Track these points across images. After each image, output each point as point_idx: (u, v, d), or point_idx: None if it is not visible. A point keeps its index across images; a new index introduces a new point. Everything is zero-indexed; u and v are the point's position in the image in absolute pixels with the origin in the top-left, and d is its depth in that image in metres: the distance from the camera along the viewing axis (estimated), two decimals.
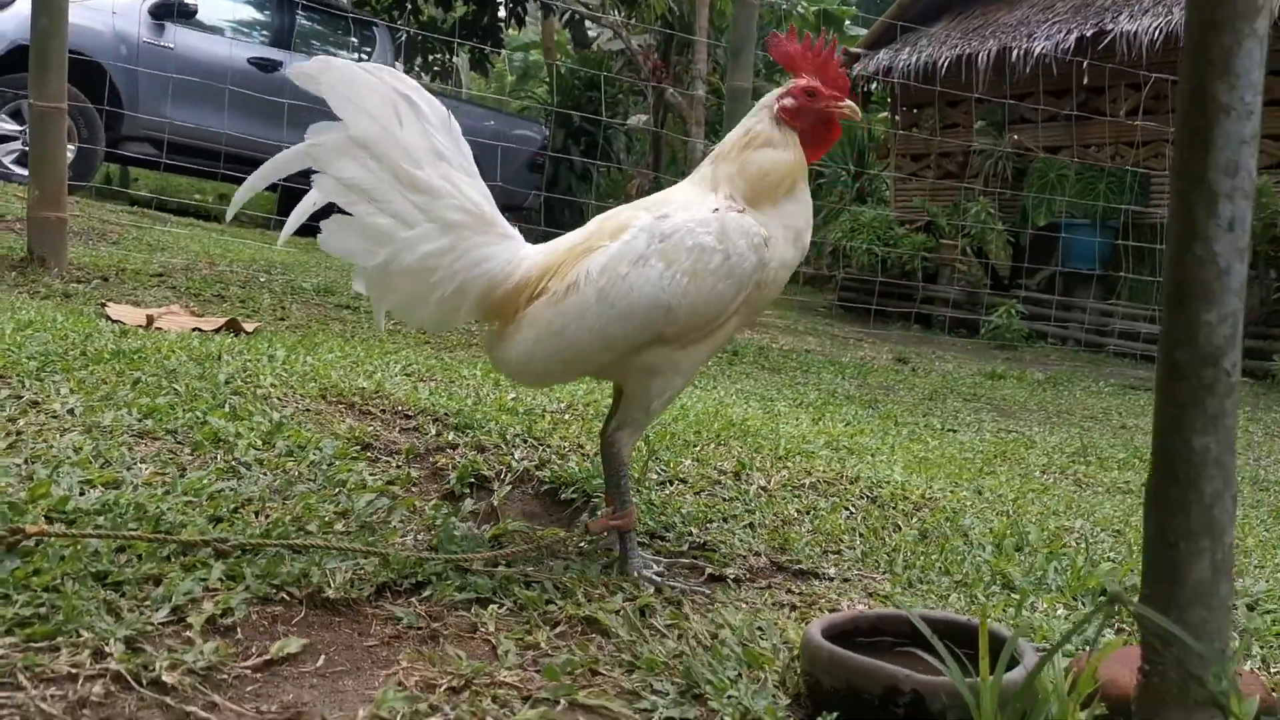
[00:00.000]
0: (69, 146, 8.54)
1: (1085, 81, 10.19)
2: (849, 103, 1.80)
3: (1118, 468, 3.88)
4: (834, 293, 11.94)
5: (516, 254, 1.73)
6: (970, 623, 1.37)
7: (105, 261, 5.16)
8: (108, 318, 3.39)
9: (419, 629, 1.45)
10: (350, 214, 1.68)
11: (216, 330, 3.43)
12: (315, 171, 1.68)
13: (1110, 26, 10.14)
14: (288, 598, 1.45)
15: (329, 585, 1.49)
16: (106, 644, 1.21)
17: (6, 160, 8.34)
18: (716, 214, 1.67)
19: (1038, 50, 10.57)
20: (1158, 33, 9.74)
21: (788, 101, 1.79)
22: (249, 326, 3.62)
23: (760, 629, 1.57)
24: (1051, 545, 2.27)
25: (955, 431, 4.32)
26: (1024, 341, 9.78)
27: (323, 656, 1.34)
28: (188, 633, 1.29)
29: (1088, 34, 10.30)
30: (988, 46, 11.13)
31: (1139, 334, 9.19)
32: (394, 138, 1.66)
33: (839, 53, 1.86)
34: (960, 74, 11.13)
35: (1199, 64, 0.93)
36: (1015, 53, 10.78)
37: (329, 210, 1.72)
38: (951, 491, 2.69)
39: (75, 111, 8.49)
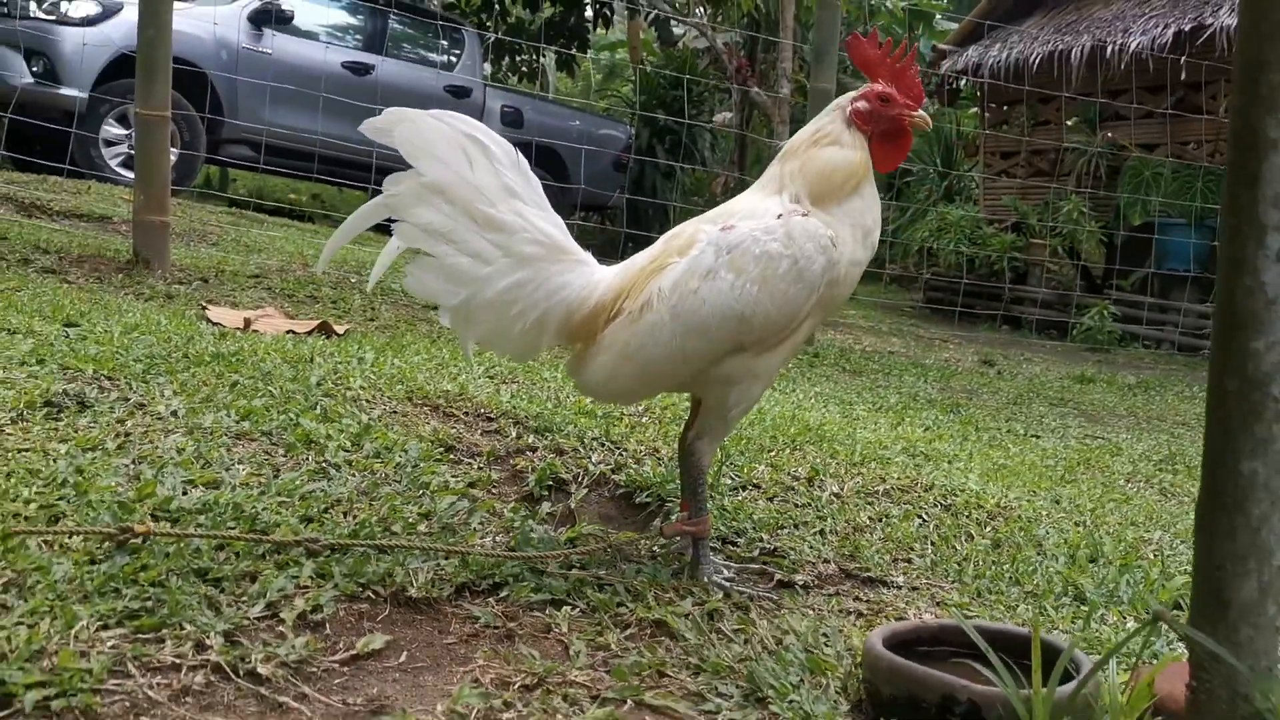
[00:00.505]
0: (171, 151, 8.94)
1: (1183, 77, 9.93)
2: (921, 113, 1.82)
3: None
4: (920, 293, 11.82)
5: (591, 278, 1.79)
6: (1019, 631, 1.39)
7: (205, 263, 5.37)
8: (208, 320, 3.55)
9: (496, 628, 1.53)
10: (432, 255, 1.76)
11: (309, 332, 3.57)
12: (395, 220, 1.76)
13: (1210, 21, 9.87)
14: (373, 596, 1.53)
15: (412, 584, 1.57)
16: (207, 636, 1.31)
17: (113, 163, 8.67)
18: (781, 220, 1.71)
19: (1134, 46, 10.33)
20: None
21: (861, 105, 1.82)
22: (340, 328, 3.75)
23: (825, 635, 1.61)
24: (1127, 557, 2.27)
25: (1038, 437, 4.28)
26: (1116, 344, 9.59)
27: (405, 653, 1.42)
28: (280, 627, 1.38)
29: (1186, 29, 10.04)
30: (1081, 42, 10.91)
31: None
32: (466, 180, 1.74)
33: (916, 62, 1.89)
34: (1052, 70, 10.93)
35: (1248, 100, 0.95)
36: (1110, 48, 10.55)
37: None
38: (1028, 500, 2.69)
39: (178, 117, 8.82)
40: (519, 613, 1.58)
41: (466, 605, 1.58)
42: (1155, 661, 1.51)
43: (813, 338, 6.41)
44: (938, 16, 18.76)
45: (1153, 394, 6.55)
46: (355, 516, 1.81)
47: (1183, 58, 9.58)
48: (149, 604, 1.35)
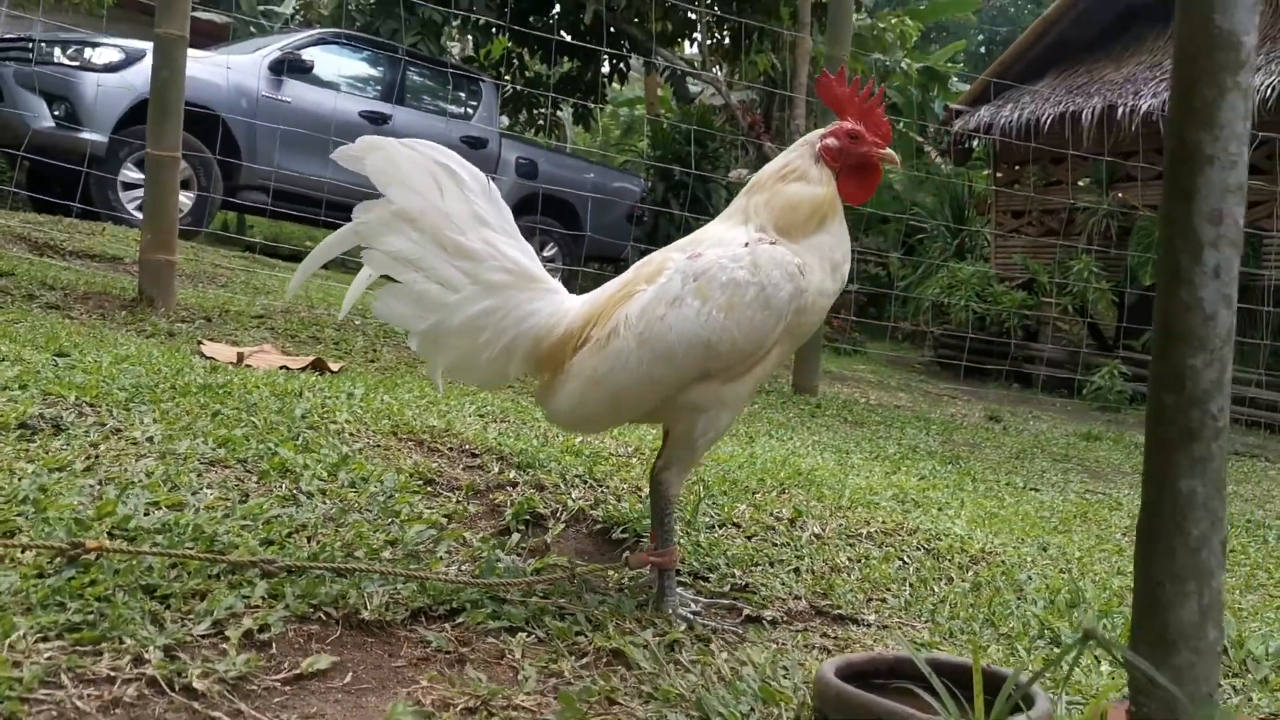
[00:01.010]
0: (188, 194, 9.05)
1: None
2: (889, 150, 1.83)
3: None
4: (931, 349, 11.79)
5: (560, 306, 1.79)
6: (988, 669, 1.36)
7: (210, 303, 5.40)
8: (202, 354, 3.56)
9: (448, 653, 1.50)
10: (400, 282, 1.76)
11: (302, 369, 3.57)
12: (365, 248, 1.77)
13: None
14: (325, 617, 1.51)
15: (365, 607, 1.55)
16: (146, 651, 1.29)
17: (130, 206, 8.78)
18: (748, 248, 1.71)
19: (1144, 107, 10.39)
20: (1270, 90, 9.50)
21: (830, 141, 1.83)
22: (334, 366, 3.76)
23: (785, 668, 1.58)
24: (1109, 604, 2.23)
25: (1037, 490, 4.24)
26: (1127, 403, 9.52)
27: (350, 674, 1.40)
28: (224, 645, 1.36)
29: None
30: (1092, 104, 10.98)
31: (1246, 399, 8.88)
32: (436, 208, 1.75)
33: (883, 101, 1.90)
34: (1063, 131, 10.99)
35: (1184, 116, 0.94)
36: (1121, 110, 10.62)
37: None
38: (1014, 547, 2.65)
39: (195, 161, 8.95)
40: (473, 638, 1.56)
41: (421, 629, 1.56)
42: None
43: (810, 373, 6.39)
44: (953, 78, 18.91)
45: None
46: (319, 541, 1.79)
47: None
48: (91, 618, 1.34)
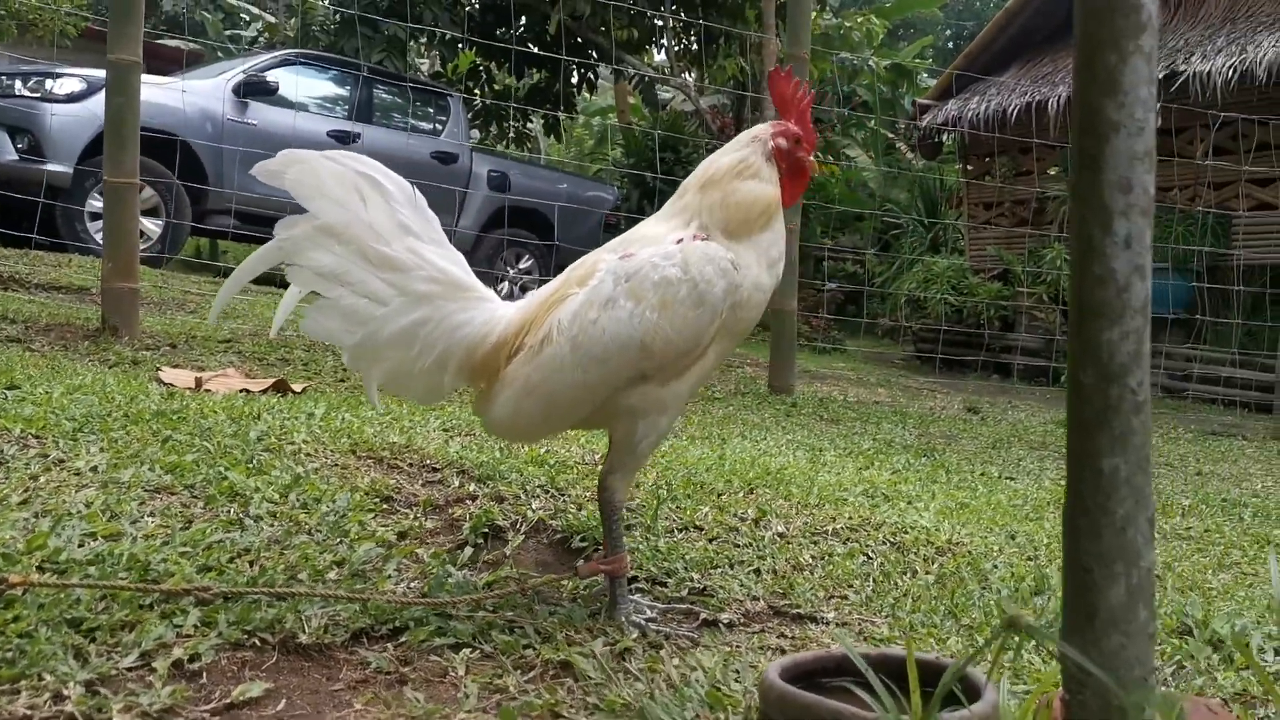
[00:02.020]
0: (157, 222, 8.98)
1: (1159, 123, 9.98)
2: (813, 158, 1.84)
3: (1181, 514, 3.74)
4: (910, 344, 11.80)
5: (493, 315, 1.75)
6: (936, 661, 1.33)
7: (177, 329, 5.34)
8: (160, 381, 3.51)
9: (388, 673, 1.46)
10: (328, 298, 1.72)
11: (264, 391, 3.52)
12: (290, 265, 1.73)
13: (1183, 68, 9.97)
14: (260, 643, 1.47)
15: (303, 630, 1.51)
16: (66, 687, 1.25)
17: (97, 236, 8.70)
18: (680, 245, 1.68)
19: None
20: (1231, 72, 9.54)
21: (781, 142, 1.81)
22: (297, 387, 3.71)
23: (736, 671, 1.55)
24: None
25: (1012, 479, 4.22)
26: None
27: (284, 700, 1.36)
28: (150, 677, 1.32)
29: (1159, 75, 10.11)
30: (1058, 93, 11.01)
31: (1221, 378, 8.90)
32: (360, 220, 1.71)
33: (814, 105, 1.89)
34: (1031, 121, 11.02)
35: (1087, 82, 0.92)
36: None
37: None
38: (982, 537, 2.62)
39: (163, 188, 8.89)
40: (415, 657, 1.52)
41: (361, 651, 1.52)
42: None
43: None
44: (922, 74, 18.97)
45: None
46: (260, 565, 1.75)
47: (1158, 105, 9.62)
48: (10, 655, 1.30)
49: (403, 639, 1.57)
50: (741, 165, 1.78)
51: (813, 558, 2.24)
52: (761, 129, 1.86)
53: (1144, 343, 0.92)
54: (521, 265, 11.56)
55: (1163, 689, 1.56)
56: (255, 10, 20.67)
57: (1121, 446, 0.92)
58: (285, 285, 1.88)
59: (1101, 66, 0.90)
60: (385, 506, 2.27)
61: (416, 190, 1.78)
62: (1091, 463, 0.93)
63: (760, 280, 1.71)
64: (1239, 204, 10.11)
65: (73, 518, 1.80)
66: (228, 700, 1.32)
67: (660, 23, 14.22)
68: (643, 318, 1.62)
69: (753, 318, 1.73)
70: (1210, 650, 1.90)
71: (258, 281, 8.65)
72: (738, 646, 1.70)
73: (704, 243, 1.68)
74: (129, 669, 1.33)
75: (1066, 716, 0.98)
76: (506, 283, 11.24)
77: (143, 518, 1.88)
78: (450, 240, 1.80)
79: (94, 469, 2.13)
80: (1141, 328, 0.92)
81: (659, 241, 1.70)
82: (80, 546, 1.68)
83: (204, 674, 1.37)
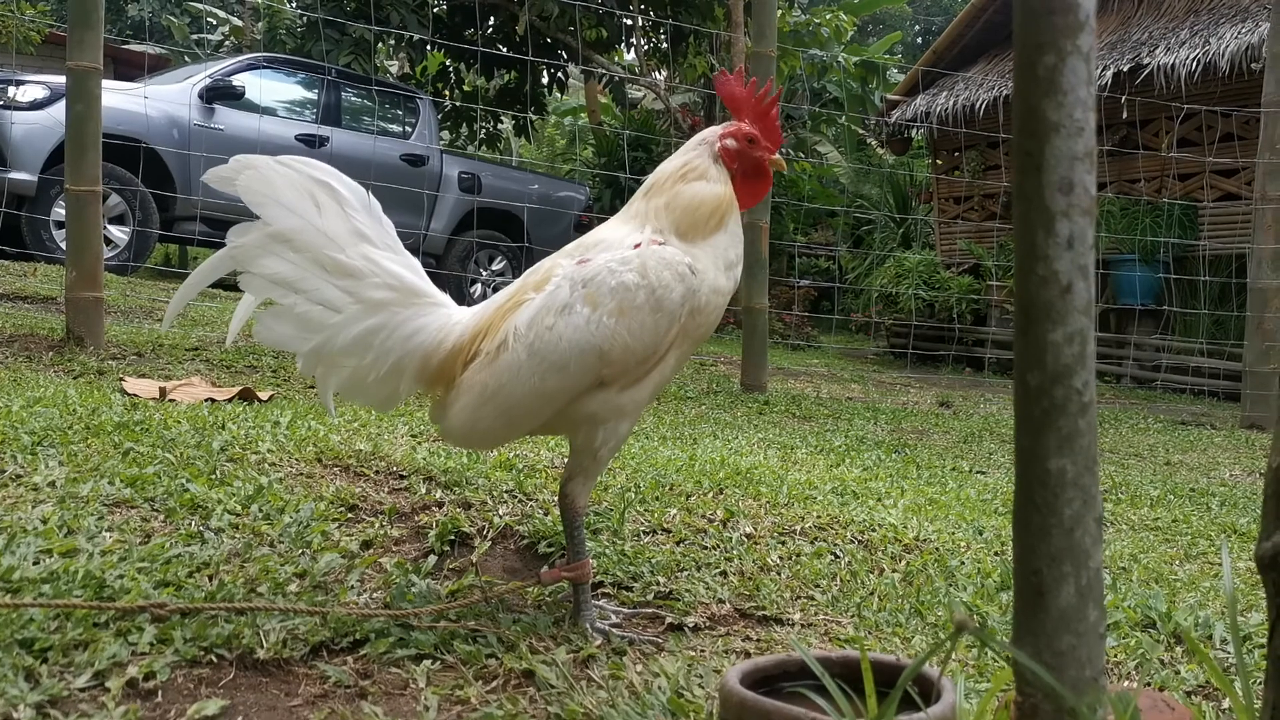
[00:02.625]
0: (124, 230, 8.90)
1: (1124, 116, 10.07)
2: (779, 157, 1.81)
3: (1149, 505, 3.77)
4: (884, 339, 11.84)
5: (449, 320, 1.74)
6: (896, 663, 1.33)
7: (143, 338, 5.30)
8: (123, 392, 3.47)
9: (348, 687, 1.45)
10: (282, 304, 1.71)
11: (229, 399, 3.49)
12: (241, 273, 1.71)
13: (1147, 60, 10.04)
14: (216, 659, 1.45)
15: (261, 645, 1.50)
16: (15, 710, 1.23)
17: (64, 245, 8.62)
18: (637, 250, 1.67)
19: None
20: (1195, 64, 9.62)
21: (729, 143, 1.80)
22: (264, 395, 3.68)
23: (699, 677, 1.54)
24: None
25: (983, 474, 4.23)
26: None
27: (241, 717, 1.34)
28: (103, 697, 1.30)
29: (1125, 69, 10.20)
30: None
31: (1189, 368, 8.97)
32: (313, 226, 1.69)
33: (779, 104, 1.87)
34: (999, 115, 11.07)
35: (1027, 84, 0.92)
36: None
37: None
38: (950, 533, 2.63)
39: (130, 195, 8.81)
40: (375, 670, 1.50)
41: (321, 665, 1.50)
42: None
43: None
44: (893, 69, 19.03)
45: (1106, 427, 6.52)
46: (219, 580, 1.73)
47: (1123, 97, 9.71)
48: None
49: (363, 651, 1.55)
50: (686, 168, 1.77)
51: (780, 558, 2.24)
52: (710, 131, 1.85)
53: (1088, 343, 0.92)
54: (494, 267, 11.53)
55: (1117, 686, 1.57)
56: (221, 14, 20.53)
57: (1069, 447, 0.92)
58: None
59: (1042, 67, 0.90)
60: (350, 516, 2.26)
61: (371, 195, 1.77)
62: (1039, 464, 0.93)
63: (718, 283, 1.71)
64: (1204, 194, 10.20)
65: (28, 534, 1.77)
66: (184, 718, 1.30)
67: (629, 22, 14.21)
68: (600, 324, 1.61)
69: (711, 321, 1.73)
70: (1174, 643, 1.91)
71: (226, 288, 8.57)
72: (702, 651, 1.69)
73: (661, 247, 1.67)
74: (81, 689, 1.32)
75: (1016, 717, 0.98)
76: (479, 285, 11.21)
77: (100, 533, 1.86)
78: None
79: (52, 484, 2.10)
80: (1086, 328, 0.92)
81: (615, 245, 1.69)
82: (35, 564, 1.65)
83: (159, 692, 1.36)
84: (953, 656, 1.72)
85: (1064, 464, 0.92)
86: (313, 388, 4.56)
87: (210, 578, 1.74)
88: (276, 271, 1.68)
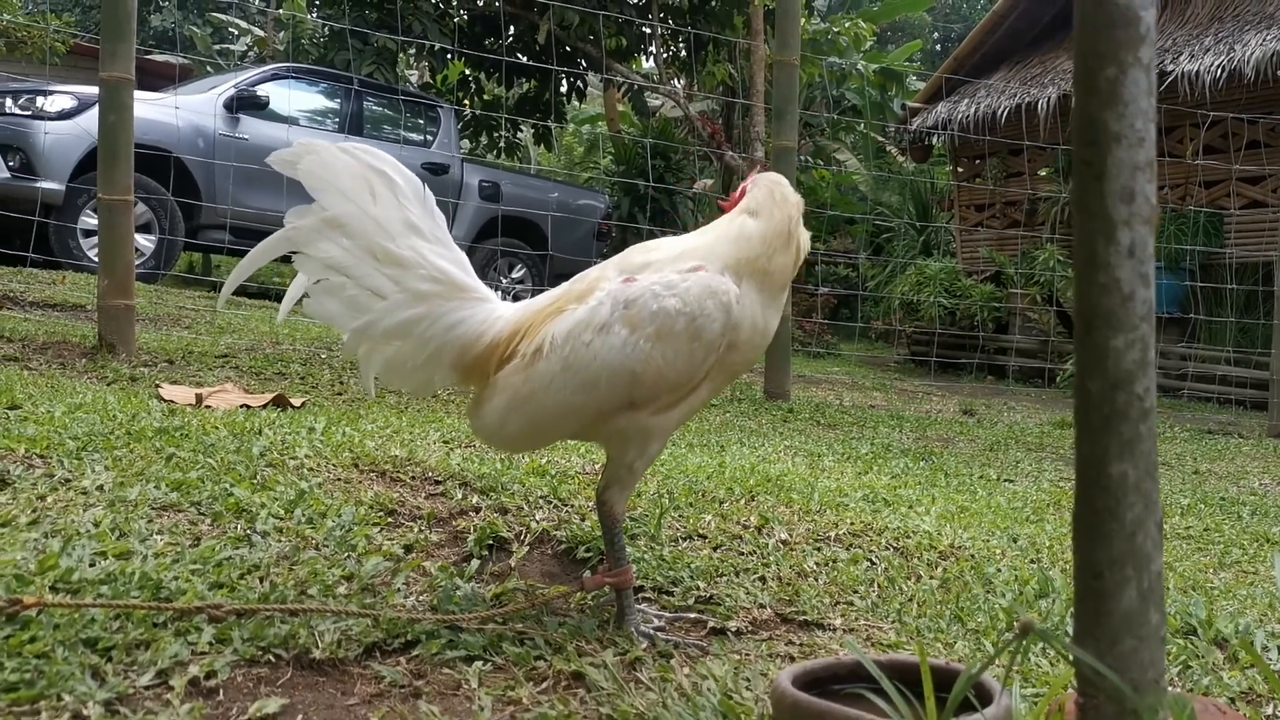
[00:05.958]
0: (149, 238, 8.98)
1: None
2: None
3: (1180, 513, 3.76)
4: (905, 347, 11.83)
5: (490, 314, 1.77)
6: (947, 666, 1.34)
7: (173, 345, 5.35)
8: (160, 398, 3.51)
9: (402, 687, 1.47)
10: (332, 283, 1.75)
11: (263, 406, 3.53)
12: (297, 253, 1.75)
13: (1171, 67, 10.02)
14: (274, 659, 1.48)
15: (316, 646, 1.52)
16: (85, 706, 1.26)
17: (91, 253, 8.71)
18: (684, 274, 1.67)
19: None
20: (1220, 71, 9.60)
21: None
22: (296, 401, 3.72)
23: (746, 680, 1.56)
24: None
25: (1011, 481, 4.24)
26: None
27: (301, 715, 1.37)
28: (168, 695, 1.33)
29: None
30: (1047, 94, 11.06)
31: (1215, 376, 8.93)
32: (367, 214, 1.73)
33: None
34: (1021, 122, 11.06)
35: (1087, 95, 0.93)
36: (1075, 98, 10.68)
37: None
38: (984, 540, 2.64)
39: (156, 204, 8.89)
40: (428, 670, 1.53)
41: (375, 665, 1.53)
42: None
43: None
44: (911, 77, 19.02)
45: None
46: (271, 581, 1.76)
47: None
48: (29, 676, 1.30)
49: (415, 652, 1.58)
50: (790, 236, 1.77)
51: (817, 564, 2.25)
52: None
53: (1149, 349, 0.94)
54: (514, 275, 11.58)
55: (1172, 690, 1.58)
56: (244, 24, 20.69)
57: (1130, 452, 0.94)
58: (280, 300, 1.90)
59: (1102, 79, 0.92)
60: (390, 520, 2.28)
61: (426, 187, 1.80)
62: (1100, 469, 0.95)
63: (760, 322, 1.70)
64: (1230, 202, 10.16)
65: (82, 537, 1.80)
66: (245, 716, 1.33)
67: (649, 30, 14.26)
68: (636, 347, 1.62)
69: (749, 360, 1.73)
70: (1215, 650, 1.92)
71: (253, 296, 8.65)
72: (747, 654, 1.71)
73: (709, 274, 1.67)
74: (146, 687, 1.34)
75: (1078, 718, 0.99)
76: (500, 293, 11.24)
77: (151, 536, 1.89)
78: None
79: (100, 488, 2.13)
80: (1147, 335, 0.94)
81: (665, 268, 1.68)
82: (91, 566, 1.68)
83: (220, 691, 1.38)
84: (999, 664, 1.73)
85: (1125, 469, 0.94)
86: (341, 394, 4.61)
87: (261, 580, 1.77)
88: (329, 255, 1.72)
